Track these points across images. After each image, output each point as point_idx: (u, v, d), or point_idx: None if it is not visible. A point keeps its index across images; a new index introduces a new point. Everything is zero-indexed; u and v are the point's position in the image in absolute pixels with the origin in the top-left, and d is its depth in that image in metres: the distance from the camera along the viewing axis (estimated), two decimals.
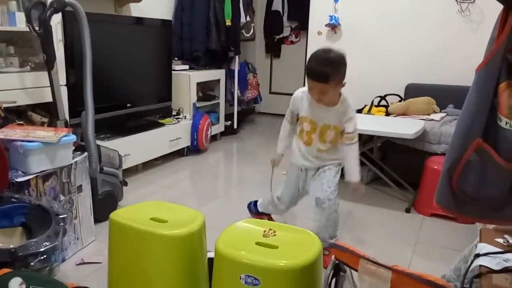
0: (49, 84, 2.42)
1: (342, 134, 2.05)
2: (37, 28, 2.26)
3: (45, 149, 1.90)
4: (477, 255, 1.31)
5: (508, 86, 0.94)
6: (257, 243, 1.39)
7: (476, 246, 1.44)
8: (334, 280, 1.23)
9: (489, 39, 0.97)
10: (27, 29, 2.36)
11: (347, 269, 1.21)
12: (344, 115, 2.02)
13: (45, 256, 1.54)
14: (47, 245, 1.54)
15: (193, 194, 3.15)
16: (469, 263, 1.34)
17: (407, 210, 2.78)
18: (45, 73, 2.42)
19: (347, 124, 2.03)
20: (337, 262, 1.20)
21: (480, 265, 1.27)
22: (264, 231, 1.48)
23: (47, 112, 2.66)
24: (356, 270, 1.12)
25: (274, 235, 1.46)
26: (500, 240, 1.41)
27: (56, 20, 2.53)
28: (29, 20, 2.23)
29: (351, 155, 2.05)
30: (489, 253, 1.31)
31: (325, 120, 2.03)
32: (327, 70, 1.87)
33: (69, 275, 1.95)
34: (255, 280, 1.29)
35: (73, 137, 2.03)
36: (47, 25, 2.27)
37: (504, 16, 0.93)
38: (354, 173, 2.05)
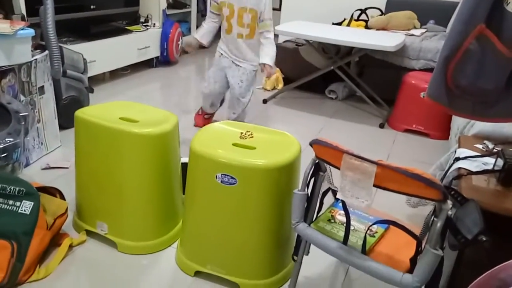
0: None
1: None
2: None
3: (0, 42, 1.72)
4: (457, 159, 1.31)
5: None
6: (234, 144, 1.34)
7: (454, 152, 1.44)
8: (313, 180, 1.21)
9: None
10: None
11: (327, 167, 1.18)
12: (260, 1, 2.12)
13: (5, 154, 1.44)
14: (7, 142, 1.44)
15: (164, 106, 3.00)
16: (447, 167, 1.35)
17: (381, 126, 2.78)
18: None
19: (261, 7, 2.13)
20: (317, 161, 1.16)
21: (460, 168, 1.27)
22: (241, 133, 1.42)
23: (1, 8, 2.40)
24: (337, 168, 1.09)
25: (252, 137, 1.40)
26: (480, 146, 1.42)
27: None
28: None
29: (268, 43, 2.21)
30: (469, 156, 1.31)
31: (241, 2, 2.12)
32: None
33: (34, 178, 1.86)
34: (232, 179, 1.25)
35: (31, 31, 1.83)
36: None
37: None
38: (267, 57, 2.20)
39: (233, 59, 2.28)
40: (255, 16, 2.14)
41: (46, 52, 2.02)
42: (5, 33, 1.72)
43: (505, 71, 0.91)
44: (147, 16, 3.65)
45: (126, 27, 3.44)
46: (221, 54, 2.31)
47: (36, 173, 1.92)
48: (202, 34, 2.34)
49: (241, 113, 2.39)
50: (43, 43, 2.11)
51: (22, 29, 1.81)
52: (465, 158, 1.30)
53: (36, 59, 1.93)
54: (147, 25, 3.59)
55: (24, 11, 2.30)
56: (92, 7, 3.04)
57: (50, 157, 2.07)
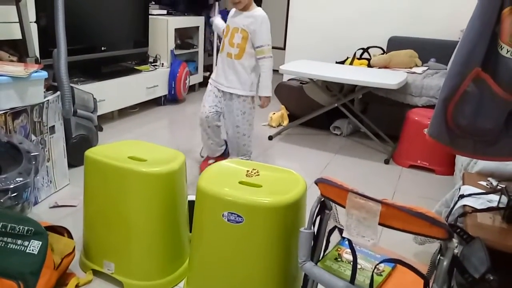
0: (17, 20, 2.25)
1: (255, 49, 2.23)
2: None
3: (14, 84, 1.78)
4: (462, 196, 1.32)
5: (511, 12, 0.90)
6: (240, 182, 1.36)
7: (459, 189, 1.45)
8: (319, 218, 1.21)
9: None
10: None
11: (333, 206, 1.19)
12: (252, 23, 2.18)
13: (16, 193, 1.46)
14: (18, 182, 1.47)
15: (171, 143, 3.07)
16: (452, 204, 1.35)
17: (386, 162, 2.80)
18: (13, 8, 2.24)
19: (254, 37, 2.19)
20: (322, 199, 1.18)
21: (465, 205, 1.28)
22: (247, 170, 1.44)
23: (16, 50, 2.50)
24: (343, 206, 1.10)
25: (258, 174, 1.42)
26: (484, 183, 1.43)
27: None
28: None
29: (263, 72, 2.25)
30: (473, 194, 1.32)
31: (236, 23, 2.22)
32: None
33: (42, 217, 1.89)
34: (238, 217, 1.26)
35: (44, 73, 1.91)
36: None
37: None
38: (264, 90, 2.27)
39: (220, 86, 2.30)
40: (246, 37, 2.19)
41: (58, 93, 2.09)
42: (19, 76, 1.79)
43: (503, 111, 0.94)
44: (156, 56, 3.76)
45: (135, 67, 3.55)
46: (210, 84, 2.38)
47: (45, 212, 1.94)
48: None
49: (246, 154, 2.38)
50: (55, 84, 2.18)
51: (36, 72, 1.89)
52: (470, 195, 1.31)
53: (48, 100, 1.99)
54: (156, 65, 3.70)
55: (37, 54, 2.39)
56: (103, 48, 3.15)
57: (59, 195, 2.10)
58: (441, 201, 1.62)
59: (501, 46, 0.91)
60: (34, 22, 2.49)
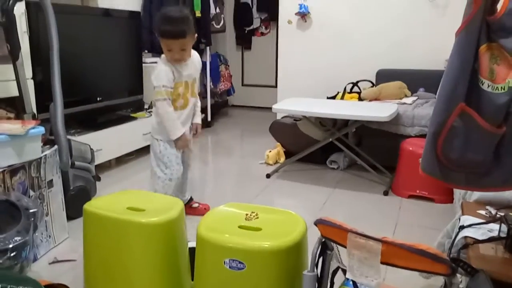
0: (14, 78, 2.30)
1: None
2: None
3: (12, 142, 1.80)
4: (462, 227, 1.32)
5: (488, 49, 0.94)
6: (240, 227, 1.36)
7: (459, 219, 1.45)
8: (321, 259, 1.21)
9: (466, 2, 0.96)
10: None
11: (334, 246, 1.19)
12: (199, 66, 2.30)
13: (15, 252, 1.45)
14: (16, 241, 1.46)
15: None
16: (454, 235, 1.35)
17: (385, 193, 2.80)
18: (10, 67, 2.30)
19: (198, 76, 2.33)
20: (323, 239, 1.18)
21: (466, 236, 1.28)
22: (247, 214, 1.44)
23: (13, 107, 2.54)
24: (344, 246, 1.10)
25: (257, 217, 1.42)
26: (482, 212, 1.43)
27: (20, 11, 2.41)
28: None
29: (197, 103, 2.37)
30: (473, 224, 1.32)
31: (192, 75, 2.24)
32: (183, 26, 2.05)
33: (42, 274, 1.86)
34: (240, 264, 1.26)
35: (41, 129, 1.93)
36: (10, 14, 2.15)
37: None
38: (199, 117, 2.40)
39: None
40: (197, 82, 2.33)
41: (55, 147, 2.11)
42: (17, 134, 1.81)
43: (490, 143, 0.96)
44: (151, 103, 3.82)
45: (131, 115, 3.59)
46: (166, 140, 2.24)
47: (44, 268, 1.91)
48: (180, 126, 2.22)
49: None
50: (52, 137, 2.21)
51: (33, 128, 1.92)
52: (470, 225, 1.31)
53: (45, 154, 2.01)
54: (151, 111, 3.75)
55: (34, 109, 2.43)
56: (98, 98, 3.21)
57: (58, 250, 2.08)
58: (443, 231, 1.62)
59: (482, 81, 0.94)
60: (31, 78, 2.55)
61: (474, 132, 0.95)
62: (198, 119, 2.38)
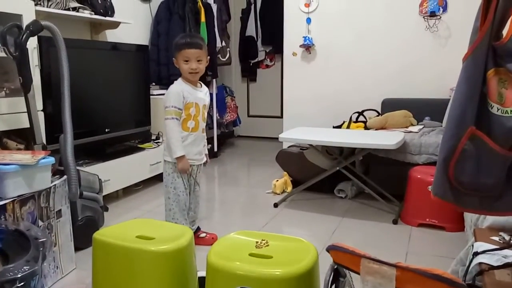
0: (25, 110, 2.35)
1: None
2: (12, 51, 2.21)
3: (22, 172, 1.82)
4: (476, 253, 1.31)
5: (496, 73, 0.95)
6: (251, 254, 1.35)
7: (472, 246, 1.43)
8: (333, 286, 1.19)
9: (472, 29, 0.99)
10: (1, 54, 2.30)
11: (347, 272, 1.18)
12: (208, 96, 2.41)
13: (23, 282, 1.44)
14: (26, 271, 1.45)
15: None
16: (468, 262, 1.33)
17: (395, 222, 2.77)
18: (21, 99, 2.35)
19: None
20: (336, 266, 1.16)
21: (480, 263, 1.26)
22: (257, 242, 1.43)
23: (23, 139, 2.58)
24: (357, 273, 1.09)
25: (267, 245, 1.41)
26: (496, 238, 1.41)
27: (32, 45, 2.49)
28: (4, 43, 2.18)
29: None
30: (487, 250, 1.30)
31: (203, 100, 2.35)
32: (200, 40, 2.29)
33: None
34: None
35: (51, 159, 1.95)
36: (23, 47, 2.22)
37: (485, 5, 0.95)
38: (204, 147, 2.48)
39: (194, 162, 2.37)
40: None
41: (65, 177, 2.12)
42: (28, 164, 1.83)
43: (503, 166, 0.96)
44: (158, 134, 3.86)
45: (139, 145, 3.62)
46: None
47: None
48: (183, 148, 2.28)
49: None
50: (62, 168, 2.23)
51: (44, 158, 1.94)
52: (484, 252, 1.29)
53: (55, 184, 2.02)
54: (158, 142, 3.78)
55: (44, 140, 2.46)
56: (106, 130, 3.24)
57: (66, 281, 2.06)
58: (456, 259, 1.59)
59: (491, 105, 0.95)
60: (41, 110, 2.60)
61: (486, 155, 0.96)
62: (205, 149, 2.47)
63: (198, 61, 2.24)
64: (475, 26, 0.98)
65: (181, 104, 2.25)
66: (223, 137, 5.22)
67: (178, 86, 2.28)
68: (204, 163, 2.46)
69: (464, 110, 0.97)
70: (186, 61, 2.23)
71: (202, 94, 2.35)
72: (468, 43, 1.00)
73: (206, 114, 2.39)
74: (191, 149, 2.32)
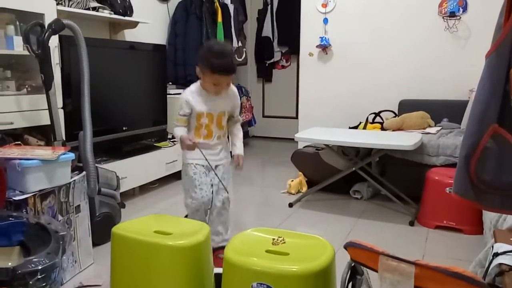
0: (46, 107, 2.40)
1: (230, 119, 2.28)
2: (35, 49, 2.25)
3: (43, 167, 1.86)
4: (496, 254, 1.28)
5: None
6: (267, 251, 1.35)
7: (492, 247, 1.41)
8: (350, 284, 1.19)
9: (496, 25, 0.98)
10: (24, 52, 2.36)
11: (365, 270, 1.17)
12: (235, 100, 2.24)
13: (44, 274, 1.47)
14: (46, 263, 1.48)
15: None
16: (487, 263, 1.31)
17: (411, 224, 2.74)
18: (42, 96, 2.40)
19: (236, 110, 2.26)
20: (353, 264, 1.16)
21: (500, 264, 1.24)
22: (273, 239, 1.44)
23: (44, 135, 2.63)
24: (374, 270, 1.08)
25: (284, 242, 1.42)
26: None
27: (53, 44, 2.54)
28: (27, 41, 2.23)
29: (239, 134, 2.32)
30: (508, 251, 1.28)
31: (220, 108, 2.18)
32: (233, 62, 2.08)
33: None
34: (268, 287, 1.24)
35: (71, 155, 1.99)
36: (45, 45, 2.26)
37: (510, 1, 0.94)
38: (239, 148, 2.28)
39: (210, 163, 2.21)
40: (228, 116, 2.24)
41: (84, 173, 2.16)
42: (48, 159, 1.87)
43: None
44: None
45: (155, 144, 3.66)
46: (196, 164, 2.19)
47: None
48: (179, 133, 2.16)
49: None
50: (81, 164, 2.26)
51: (64, 154, 1.97)
52: (504, 253, 1.27)
53: (74, 180, 2.06)
54: (175, 141, 3.81)
55: (63, 137, 2.51)
56: (124, 128, 3.29)
57: (83, 275, 2.09)
58: (475, 261, 1.57)
59: None
60: (61, 108, 2.64)
61: (508, 153, 0.95)
62: (238, 150, 2.26)
63: (227, 83, 2.08)
64: (499, 22, 0.97)
65: (187, 112, 2.14)
66: None
67: (189, 94, 2.14)
68: (237, 165, 2.25)
69: (486, 107, 0.96)
70: (216, 84, 2.04)
71: (223, 102, 2.16)
72: (492, 40, 0.99)
73: (225, 121, 2.21)
74: (204, 151, 2.16)
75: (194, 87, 2.17)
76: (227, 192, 2.30)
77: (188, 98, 2.14)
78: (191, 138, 2.12)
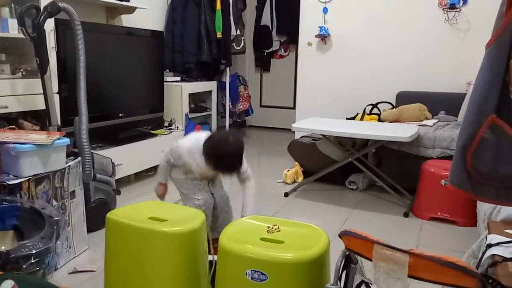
0: (41, 92, 2.38)
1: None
2: (30, 32, 2.22)
3: (38, 151, 1.84)
4: (489, 245, 1.29)
5: None
6: (262, 239, 1.35)
7: (485, 238, 1.42)
8: (344, 273, 1.19)
9: (497, 15, 0.96)
10: (19, 35, 2.33)
11: (359, 259, 1.17)
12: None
13: (38, 258, 1.47)
14: (40, 247, 1.47)
15: None
16: (480, 254, 1.32)
17: (405, 215, 2.75)
18: (37, 81, 2.38)
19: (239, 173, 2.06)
20: (347, 252, 1.16)
21: (494, 255, 1.24)
22: (268, 227, 1.43)
23: (39, 120, 2.61)
24: (369, 259, 1.08)
25: (279, 230, 1.42)
26: (510, 231, 1.40)
27: (49, 27, 2.50)
28: (22, 24, 2.20)
29: (249, 192, 2.12)
30: (501, 242, 1.29)
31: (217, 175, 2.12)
32: (239, 163, 1.95)
33: (61, 283, 1.86)
34: (262, 275, 1.24)
35: (66, 140, 1.98)
36: (40, 29, 2.23)
37: None
38: (248, 206, 2.08)
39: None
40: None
41: (79, 158, 2.14)
42: (43, 144, 1.85)
43: None
44: (171, 120, 3.88)
45: (151, 131, 3.64)
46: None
47: (64, 278, 1.92)
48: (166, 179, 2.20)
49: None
50: (76, 150, 2.25)
51: (59, 139, 1.96)
52: (498, 244, 1.28)
53: (69, 165, 2.05)
54: (171, 129, 3.80)
55: (59, 123, 2.49)
56: (120, 115, 3.27)
57: (77, 261, 2.08)
58: (468, 252, 1.58)
59: None
60: (56, 93, 2.62)
61: (505, 144, 0.94)
62: (247, 210, 2.05)
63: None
64: (500, 11, 0.96)
65: (179, 162, 2.05)
66: (235, 127, 5.23)
67: (187, 151, 2.01)
68: None
69: (485, 98, 0.95)
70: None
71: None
72: (492, 29, 0.98)
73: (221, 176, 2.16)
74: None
75: (192, 147, 2.00)
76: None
77: (183, 154, 2.02)
78: (162, 194, 2.24)
